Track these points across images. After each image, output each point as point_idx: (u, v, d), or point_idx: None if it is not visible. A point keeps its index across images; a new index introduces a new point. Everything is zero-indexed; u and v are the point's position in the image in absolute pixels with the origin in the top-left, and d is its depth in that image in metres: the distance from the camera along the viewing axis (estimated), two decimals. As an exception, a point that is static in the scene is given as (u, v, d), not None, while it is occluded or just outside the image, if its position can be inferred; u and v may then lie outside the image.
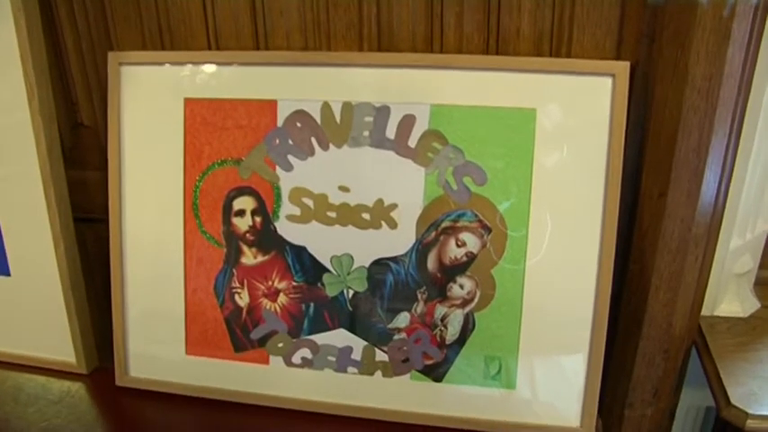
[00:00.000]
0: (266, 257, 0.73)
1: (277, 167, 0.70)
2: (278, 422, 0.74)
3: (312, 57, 0.69)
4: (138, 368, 0.79)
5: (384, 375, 0.73)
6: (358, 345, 0.73)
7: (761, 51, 0.62)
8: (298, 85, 0.68)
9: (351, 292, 0.72)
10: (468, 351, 0.70)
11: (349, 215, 0.70)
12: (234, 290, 0.74)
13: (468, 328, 0.70)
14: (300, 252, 0.72)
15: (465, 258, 0.68)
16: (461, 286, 0.69)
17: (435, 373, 0.72)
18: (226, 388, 0.77)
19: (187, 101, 0.71)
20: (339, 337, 0.73)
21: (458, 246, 0.68)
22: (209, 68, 0.71)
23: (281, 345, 0.75)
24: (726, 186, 0.68)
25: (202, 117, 0.71)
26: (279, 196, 0.71)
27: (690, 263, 0.67)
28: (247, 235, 0.73)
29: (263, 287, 0.74)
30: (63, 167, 0.77)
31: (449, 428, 0.72)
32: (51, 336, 0.82)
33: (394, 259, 0.70)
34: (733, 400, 0.63)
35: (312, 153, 0.69)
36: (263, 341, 0.75)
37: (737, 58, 0.59)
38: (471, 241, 0.68)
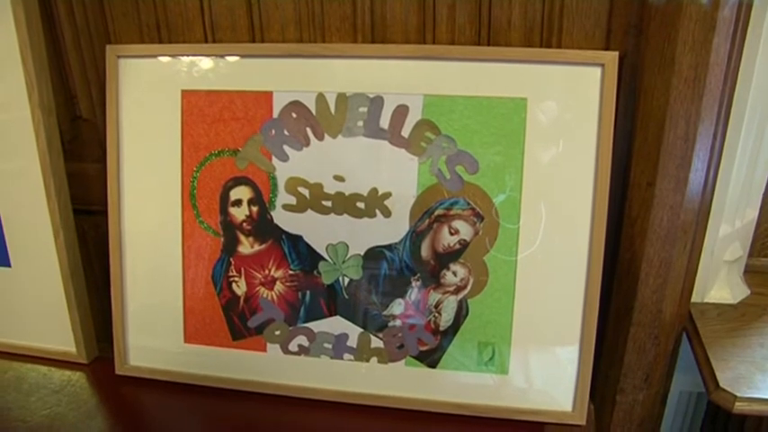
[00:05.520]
0: (263, 246, 0.74)
1: (273, 158, 0.71)
2: (275, 409, 0.75)
3: (307, 49, 0.69)
4: (137, 357, 0.81)
5: (379, 362, 0.74)
6: (354, 332, 0.74)
7: (747, 41, 0.63)
8: (293, 77, 0.69)
9: (346, 280, 0.73)
10: (462, 337, 0.72)
11: (344, 204, 0.71)
12: (231, 279, 0.75)
13: (461, 314, 0.71)
14: (296, 241, 0.73)
15: (458, 246, 0.69)
16: (455, 273, 0.70)
17: (430, 359, 0.73)
18: (224, 376, 0.78)
19: (184, 93, 0.72)
20: (335, 325, 0.74)
21: (451, 233, 0.69)
22: (206, 61, 0.71)
23: (278, 332, 0.76)
24: (714, 174, 0.68)
25: (199, 109, 0.72)
26: (275, 186, 0.72)
27: (679, 250, 0.68)
28: (244, 224, 0.74)
29: (259, 276, 0.75)
30: (62, 160, 0.78)
31: (443, 413, 0.73)
32: (52, 326, 0.83)
33: (388, 247, 0.71)
34: (722, 384, 0.63)
35: (307, 143, 0.70)
36: (260, 329, 0.76)
37: (723, 47, 0.60)
38: (464, 229, 0.69)
